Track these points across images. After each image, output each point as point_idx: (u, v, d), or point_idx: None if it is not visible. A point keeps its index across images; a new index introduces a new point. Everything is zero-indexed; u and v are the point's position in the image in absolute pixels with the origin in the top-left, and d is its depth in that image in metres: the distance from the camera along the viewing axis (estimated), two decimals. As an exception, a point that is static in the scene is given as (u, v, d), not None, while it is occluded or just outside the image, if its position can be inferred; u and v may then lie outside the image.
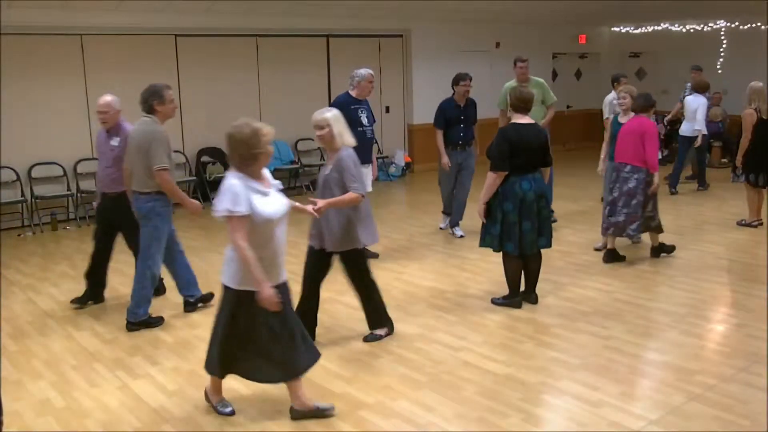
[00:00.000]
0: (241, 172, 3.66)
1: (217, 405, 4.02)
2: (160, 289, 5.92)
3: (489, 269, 6.56)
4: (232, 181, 3.63)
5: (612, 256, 6.73)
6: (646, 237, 7.07)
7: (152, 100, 5.24)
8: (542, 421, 3.92)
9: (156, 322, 5.39)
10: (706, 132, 9.93)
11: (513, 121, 5.49)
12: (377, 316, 5.05)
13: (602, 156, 7.29)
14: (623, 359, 4.62)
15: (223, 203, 3.58)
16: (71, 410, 4.11)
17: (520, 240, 5.41)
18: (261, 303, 3.64)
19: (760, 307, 5.47)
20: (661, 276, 6.35)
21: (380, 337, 5.01)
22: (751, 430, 3.71)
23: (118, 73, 9.53)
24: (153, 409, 4.09)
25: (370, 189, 7.15)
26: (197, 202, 5.52)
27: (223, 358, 3.87)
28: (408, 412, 3.97)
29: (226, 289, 3.78)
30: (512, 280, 5.62)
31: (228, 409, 3.99)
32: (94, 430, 3.88)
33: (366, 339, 5.01)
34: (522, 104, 5.45)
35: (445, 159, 7.62)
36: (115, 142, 5.61)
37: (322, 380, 4.40)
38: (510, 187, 5.36)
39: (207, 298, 5.78)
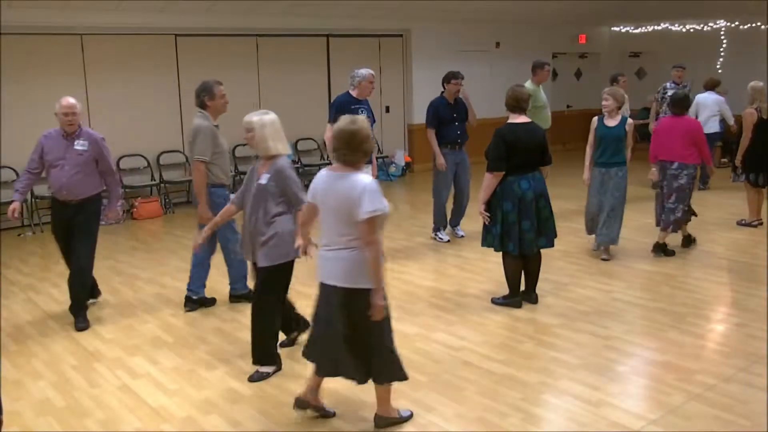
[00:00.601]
0: (359, 169, 3.60)
1: (326, 408, 3.95)
2: (95, 293, 5.95)
3: (489, 269, 6.55)
4: (369, 179, 3.55)
5: (662, 249, 6.92)
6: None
7: (203, 96, 5.43)
8: (542, 421, 3.92)
9: (208, 302, 5.77)
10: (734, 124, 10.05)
11: (509, 121, 5.48)
12: (264, 351, 4.54)
13: (587, 164, 6.84)
14: (623, 359, 4.62)
15: (375, 203, 3.46)
16: (71, 410, 4.11)
17: (520, 239, 5.41)
18: (375, 304, 3.53)
19: (760, 307, 5.47)
20: (661, 276, 6.35)
21: (267, 375, 4.47)
22: (751, 430, 3.71)
23: (118, 73, 9.56)
24: (153, 409, 4.09)
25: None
26: (210, 214, 5.30)
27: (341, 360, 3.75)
28: (408, 412, 3.97)
29: (352, 290, 3.59)
30: (512, 280, 5.62)
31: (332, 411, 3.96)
32: (94, 430, 3.89)
33: (251, 378, 4.45)
34: (517, 104, 5.43)
35: (441, 160, 7.35)
36: (82, 146, 5.37)
37: (323, 380, 4.39)
38: (508, 187, 5.36)
39: (209, 302, 5.81)
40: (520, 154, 5.33)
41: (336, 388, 4.29)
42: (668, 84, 10.36)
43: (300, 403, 3.90)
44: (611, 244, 6.81)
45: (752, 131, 7.80)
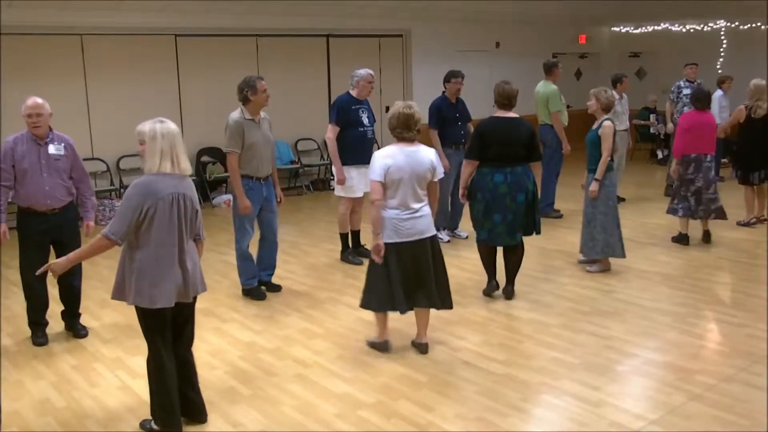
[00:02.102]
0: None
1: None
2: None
3: (489, 269, 6.55)
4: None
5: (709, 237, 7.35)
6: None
7: (246, 91, 5.65)
8: (542, 421, 3.92)
9: (258, 296, 5.96)
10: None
11: (494, 114, 5.61)
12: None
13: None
14: (623, 359, 4.62)
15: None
16: (71, 410, 4.11)
17: (489, 231, 5.55)
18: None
19: (760, 307, 5.47)
20: (661, 276, 6.35)
21: None
22: (751, 430, 3.72)
23: (118, 73, 9.56)
24: (153, 409, 4.09)
25: (369, 191, 7.11)
26: (248, 202, 5.67)
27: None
28: (408, 412, 3.97)
29: (432, 236, 4.63)
30: (485, 266, 5.85)
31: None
32: (94, 430, 3.89)
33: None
34: (509, 101, 5.54)
35: (446, 162, 7.13)
36: (57, 150, 4.94)
37: (323, 380, 4.40)
38: (481, 179, 5.49)
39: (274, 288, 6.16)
40: (497, 147, 5.41)
41: (333, 387, 4.29)
42: (682, 82, 10.29)
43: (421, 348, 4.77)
44: (585, 253, 6.42)
45: (737, 128, 7.92)
